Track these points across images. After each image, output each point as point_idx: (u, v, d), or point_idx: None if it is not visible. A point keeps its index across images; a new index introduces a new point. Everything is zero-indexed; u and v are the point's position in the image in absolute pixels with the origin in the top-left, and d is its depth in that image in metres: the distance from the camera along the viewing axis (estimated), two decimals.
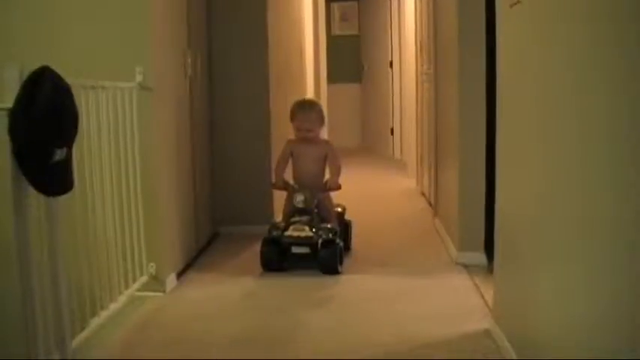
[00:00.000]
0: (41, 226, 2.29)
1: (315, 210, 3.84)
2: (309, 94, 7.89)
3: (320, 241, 3.71)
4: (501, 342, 2.61)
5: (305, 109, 4.02)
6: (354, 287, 3.57)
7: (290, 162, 4.08)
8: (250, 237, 4.33)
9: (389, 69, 9.22)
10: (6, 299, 2.49)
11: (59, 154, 2.10)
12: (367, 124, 10.50)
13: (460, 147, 3.83)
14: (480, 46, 3.67)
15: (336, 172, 4.03)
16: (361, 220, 5.36)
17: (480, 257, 3.76)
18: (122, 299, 3.05)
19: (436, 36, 4.83)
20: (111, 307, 2.92)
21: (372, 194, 6.63)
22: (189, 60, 3.97)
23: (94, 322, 2.74)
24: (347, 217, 4.28)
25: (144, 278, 3.32)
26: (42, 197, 2.22)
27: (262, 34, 4.69)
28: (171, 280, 3.52)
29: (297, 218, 3.78)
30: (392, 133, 9.30)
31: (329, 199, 4.06)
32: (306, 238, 3.72)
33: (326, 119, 4.12)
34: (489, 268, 3.48)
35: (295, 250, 3.77)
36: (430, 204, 5.43)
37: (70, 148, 2.17)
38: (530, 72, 2.26)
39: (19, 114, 2.06)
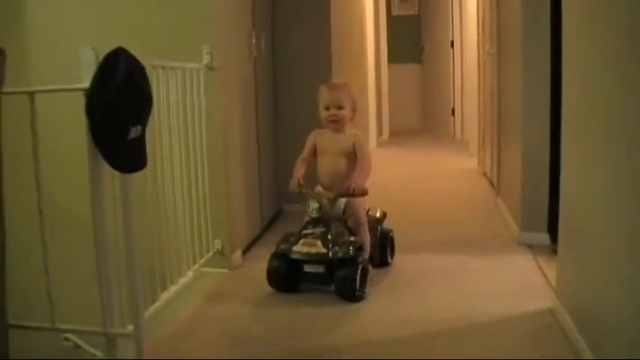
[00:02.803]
0: (116, 203, 2.37)
1: (343, 217, 3.25)
2: (370, 75, 7.90)
3: (337, 258, 3.06)
4: (564, 320, 2.61)
5: (333, 87, 3.35)
6: (416, 264, 3.60)
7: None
8: None
9: (450, 49, 9.14)
10: (84, 273, 2.60)
11: (134, 132, 2.18)
12: (428, 105, 10.45)
13: (524, 127, 3.80)
14: (544, 25, 3.62)
15: (363, 172, 3.25)
16: (422, 199, 5.39)
17: (544, 237, 3.74)
18: (190, 274, 3.13)
19: (499, 14, 4.79)
20: (180, 281, 3.01)
21: (433, 174, 6.63)
22: (254, 41, 4.03)
23: (164, 296, 2.83)
24: (386, 224, 3.62)
25: (210, 254, 3.40)
26: (117, 174, 2.30)
27: (325, 15, 4.72)
28: (236, 256, 3.60)
29: (309, 230, 3.15)
30: (453, 113, 9.24)
31: (358, 204, 3.29)
32: (318, 255, 3.06)
33: (357, 107, 3.39)
34: (552, 248, 3.47)
35: (308, 268, 3.12)
36: (492, 184, 5.41)
37: (144, 126, 2.24)
38: (598, 51, 2.25)
39: (95, 93, 2.14)
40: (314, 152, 3.36)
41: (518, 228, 3.93)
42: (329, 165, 3.30)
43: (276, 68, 4.66)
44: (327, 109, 3.27)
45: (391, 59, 9.58)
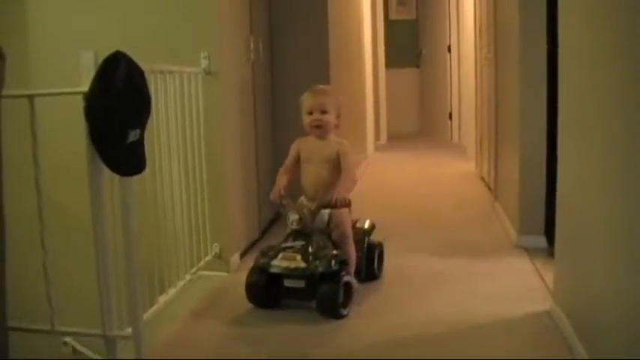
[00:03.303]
0: (115, 206, 2.38)
1: (327, 230, 3.08)
2: (368, 79, 7.92)
3: (318, 273, 2.89)
4: (561, 323, 2.63)
5: (316, 92, 3.16)
6: (414, 267, 3.61)
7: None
8: None
9: (447, 53, 9.18)
10: (83, 277, 2.61)
11: (133, 136, 2.19)
12: (425, 109, 10.48)
13: (521, 131, 3.82)
14: (541, 30, 3.64)
15: (347, 183, 3.07)
16: (420, 203, 5.41)
17: (541, 240, 3.76)
18: (188, 278, 3.14)
19: (496, 19, 4.81)
20: (178, 284, 3.02)
21: (431, 178, 6.66)
22: (251, 45, 4.04)
23: (162, 299, 2.84)
24: (375, 237, 3.45)
25: (209, 258, 3.41)
26: (116, 177, 2.31)
27: (322, 20, 4.74)
28: (234, 260, 3.61)
29: (289, 243, 2.97)
30: (450, 117, 9.28)
31: (343, 215, 3.11)
32: (297, 270, 2.90)
33: (342, 112, 3.21)
34: (549, 251, 3.49)
35: (288, 283, 2.95)
36: (489, 188, 5.43)
37: (142, 129, 2.25)
38: (594, 56, 2.27)
39: (94, 97, 2.16)
40: (297, 161, 3.20)
41: (515, 231, 3.95)
42: (312, 174, 3.13)
43: (274, 72, 4.68)
44: (311, 113, 3.11)
45: (389, 64, 9.61)
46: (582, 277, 2.42)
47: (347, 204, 3.03)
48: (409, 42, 10.58)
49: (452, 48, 8.99)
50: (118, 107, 2.14)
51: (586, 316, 2.36)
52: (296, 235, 2.99)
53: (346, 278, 2.96)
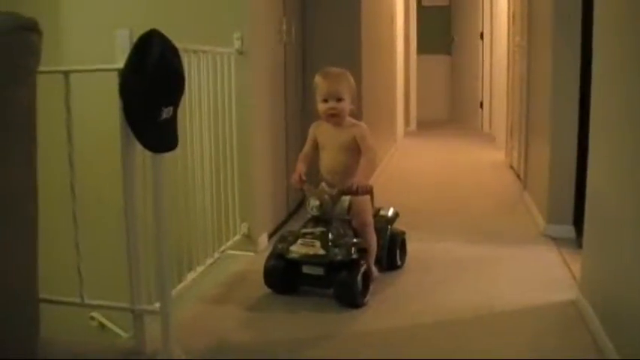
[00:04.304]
0: (146, 183, 2.41)
1: (347, 217, 3.00)
2: (399, 65, 7.89)
3: (336, 261, 2.84)
4: (587, 313, 2.62)
5: (331, 77, 3.03)
6: (441, 253, 3.63)
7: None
8: None
9: (479, 41, 9.11)
10: (113, 252, 2.65)
11: (166, 113, 2.21)
12: (456, 97, 10.42)
13: (552, 120, 3.80)
14: (575, 18, 3.61)
15: (366, 168, 3.01)
16: (448, 190, 5.40)
17: (569, 230, 3.74)
18: (216, 256, 3.17)
19: (530, 6, 4.78)
20: (206, 262, 3.05)
21: (460, 166, 6.64)
22: (284, 27, 4.05)
23: (190, 276, 2.87)
24: (399, 225, 3.39)
25: (237, 237, 3.44)
26: (148, 154, 2.34)
27: (355, 4, 4.72)
28: (262, 240, 3.63)
29: (309, 229, 2.92)
30: (481, 106, 9.22)
31: (363, 203, 3.04)
32: (315, 256, 2.85)
33: (356, 94, 3.12)
34: (577, 241, 3.47)
35: (306, 270, 2.92)
36: (519, 177, 5.40)
37: (176, 107, 2.27)
38: (627, 47, 2.25)
39: (129, 74, 2.18)
40: (316, 146, 3.13)
41: (544, 220, 3.93)
42: (329, 160, 3.07)
43: (306, 54, 4.68)
44: (326, 101, 3.00)
45: (420, 50, 9.57)
46: (609, 269, 2.41)
47: (368, 191, 2.98)
48: (441, 28, 10.52)
49: (484, 35, 8.92)
50: (152, 85, 2.16)
51: (612, 308, 2.35)
52: (316, 221, 2.92)
53: (365, 267, 2.90)
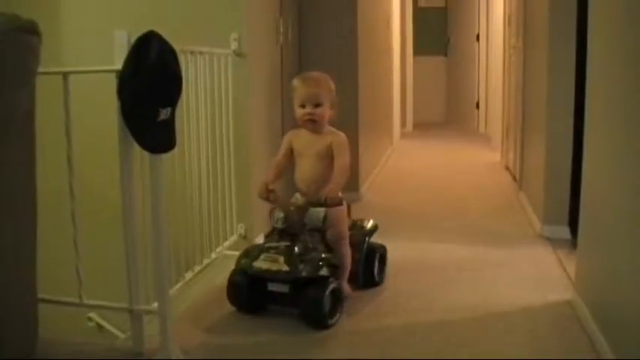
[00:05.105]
0: (144, 183, 2.42)
1: (323, 228, 2.77)
2: (395, 66, 7.91)
3: (302, 277, 2.62)
4: (582, 313, 2.64)
5: (309, 81, 2.86)
6: (438, 253, 3.64)
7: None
8: None
9: (475, 42, 9.14)
10: (111, 253, 2.66)
11: (164, 114, 2.22)
12: (452, 98, 10.45)
13: (548, 121, 3.82)
14: (570, 19, 3.62)
15: (339, 178, 2.79)
16: (444, 191, 5.42)
17: (564, 231, 3.76)
18: (213, 257, 3.18)
19: (526, 8, 4.80)
20: (203, 262, 3.06)
21: (456, 167, 6.66)
22: (281, 28, 4.06)
23: (188, 276, 2.88)
24: (377, 238, 3.17)
25: (234, 238, 3.45)
26: (146, 155, 2.35)
27: (352, 4, 4.75)
28: (259, 241, 3.63)
29: (273, 243, 2.73)
30: (477, 107, 9.24)
31: (338, 214, 2.84)
32: (278, 273, 2.63)
33: (336, 100, 2.90)
34: (573, 242, 3.49)
35: (272, 287, 2.69)
36: (514, 178, 5.42)
37: (174, 108, 2.28)
38: (623, 45, 2.26)
39: (127, 75, 2.19)
40: (290, 154, 2.94)
41: (539, 221, 3.95)
42: (305, 169, 2.88)
43: (303, 55, 4.70)
44: (303, 106, 2.83)
45: (417, 51, 9.60)
46: (605, 269, 2.43)
47: (338, 203, 2.76)
48: (437, 30, 10.55)
49: (480, 37, 8.95)
50: (149, 86, 2.17)
51: (608, 307, 2.37)
52: (281, 234, 2.74)
53: (335, 284, 2.70)
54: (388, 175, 6.19)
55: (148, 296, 2.47)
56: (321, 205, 2.71)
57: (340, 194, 2.78)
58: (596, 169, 2.61)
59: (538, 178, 4.05)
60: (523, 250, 3.67)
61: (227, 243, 3.35)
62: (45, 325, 2.20)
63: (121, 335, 3.16)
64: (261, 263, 2.67)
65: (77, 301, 2.50)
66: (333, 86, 2.89)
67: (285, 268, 2.62)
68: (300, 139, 2.91)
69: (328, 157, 2.84)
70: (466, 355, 2.43)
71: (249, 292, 2.76)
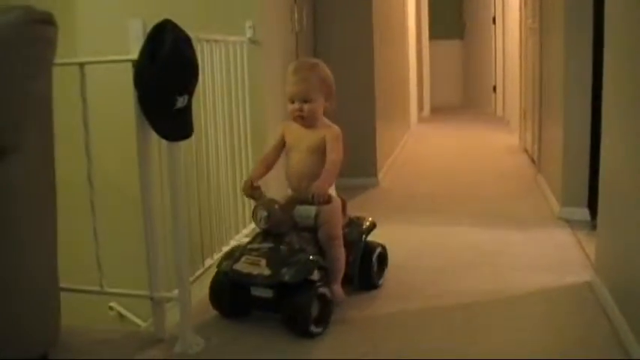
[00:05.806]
0: (162, 171, 2.43)
1: (314, 227, 2.58)
2: (411, 51, 7.89)
3: (284, 282, 2.39)
4: (602, 294, 2.63)
5: (299, 74, 2.65)
6: (456, 237, 3.64)
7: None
8: (354, 188, 4.48)
9: (492, 25, 9.08)
10: (130, 242, 2.68)
11: (181, 102, 2.23)
12: (469, 81, 10.40)
13: (565, 102, 3.80)
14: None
15: (327, 174, 2.55)
16: (462, 175, 5.41)
17: (583, 212, 3.75)
18: (232, 244, 3.19)
19: None
20: (222, 249, 3.07)
21: (474, 150, 6.64)
22: (295, 15, 4.06)
23: (208, 263, 2.90)
24: (374, 238, 2.94)
25: (252, 226, 3.45)
26: (164, 143, 2.36)
27: None
28: None
29: (255, 245, 2.53)
30: (494, 90, 9.20)
31: (331, 211, 2.60)
32: (260, 277, 2.41)
33: (334, 90, 2.71)
34: (592, 224, 3.48)
35: (255, 291, 2.47)
36: (533, 160, 5.41)
37: (190, 96, 2.29)
38: None
39: (143, 64, 2.20)
40: (281, 147, 2.75)
41: (558, 203, 3.94)
42: (297, 164, 2.68)
43: (317, 42, 4.69)
44: (292, 101, 2.66)
45: (433, 35, 9.55)
46: (625, 250, 2.42)
47: (327, 201, 2.52)
48: (453, 13, 10.49)
49: (496, 19, 8.89)
50: (166, 74, 2.18)
51: (629, 289, 2.36)
52: (265, 235, 2.55)
53: (323, 289, 2.49)
54: (406, 159, 6.19)
55: (169, 283, 2.49)
56: (308, 203, 2.52)
57: (332, 192, 2.62)
58: (614, 150, 2.60)
59: (556, 160, 4.03)
60: (542, 232, 3.66)
61: (245, 230, 3.36)
62: (67, 315, 2.22)
63: (142, 324, 3.19)
64: (241, 266, 2.47)
65: (98, 289, 2.52)
66: (328, 76, 2.69)
67: (267, 272, 2.41)
68: (293, 132, 2.72)
69: (320, 151, 2.62)
70: (484, 339, 2.43)
71: (231, 296, 2.58)
